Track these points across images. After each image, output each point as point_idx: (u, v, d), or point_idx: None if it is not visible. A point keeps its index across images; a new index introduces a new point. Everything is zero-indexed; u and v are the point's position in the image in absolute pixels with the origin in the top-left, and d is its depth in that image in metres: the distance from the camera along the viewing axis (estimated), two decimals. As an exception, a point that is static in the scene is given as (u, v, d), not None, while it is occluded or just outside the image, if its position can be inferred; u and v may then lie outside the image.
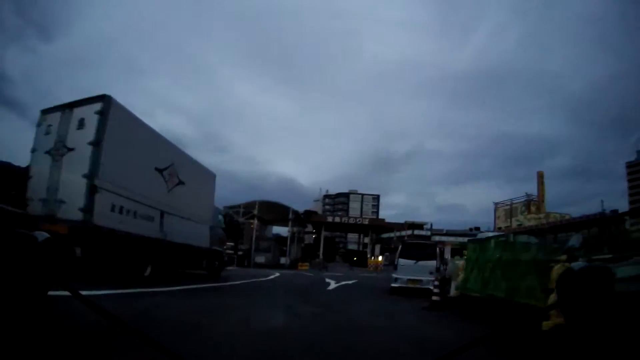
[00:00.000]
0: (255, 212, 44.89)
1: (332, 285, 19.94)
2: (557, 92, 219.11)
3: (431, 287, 13.85)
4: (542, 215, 74.82)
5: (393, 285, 16.24)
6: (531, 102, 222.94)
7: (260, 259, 44.04)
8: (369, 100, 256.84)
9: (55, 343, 3.77)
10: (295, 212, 47.17)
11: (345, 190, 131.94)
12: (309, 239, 76.05)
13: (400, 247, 17.78)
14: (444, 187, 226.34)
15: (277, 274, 29.09)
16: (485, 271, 10.33)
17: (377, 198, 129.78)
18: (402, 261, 16.61)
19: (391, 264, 59.72)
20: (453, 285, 13.05)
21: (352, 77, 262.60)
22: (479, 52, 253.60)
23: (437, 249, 17.47)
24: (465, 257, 13.09)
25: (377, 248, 50.66)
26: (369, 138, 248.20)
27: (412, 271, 16.09)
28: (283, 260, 45.16)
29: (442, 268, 17.26)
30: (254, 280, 21.18)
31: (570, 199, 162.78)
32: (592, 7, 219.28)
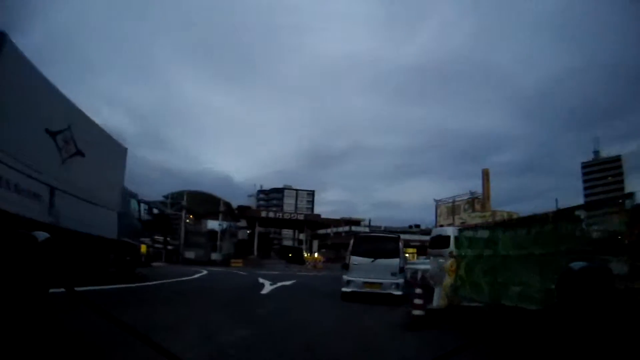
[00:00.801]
0: (184, 203, 40.35)
1: (268, 287, 16.53)
2: (506, 88, 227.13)
3: (394, 292, 12.41)
4: (488, 213, 75.47)
5: (345, 289, 12.92)
6: (478, 98, 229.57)
7: (190, 254, 40.01)
8: (309, 96, 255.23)
9: (55, 343, 3.51)
10: (227, 204, 42.83)
11: (280, 186, 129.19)
12: (244, 235, 72.75)
13: (352, 241, 14.02)
14: (383, 184, 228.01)
15: (205, 272, 25.64)
16: (495, 271, 7.70)
17: (311, 194, 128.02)
18: (355, 259, 13.20)
19: (330, 261, 58.31)
20: (437, 292, 10.32)
21: (294, 72, 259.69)
22: (426, 47, 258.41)
23: (400, 244, 13.90)
24: (454, 254, 10.32)
25: (315, 244, 47.71)
26: (308, 134, 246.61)
27: (368, 272, 12.82)
28: (215, 256, 41.18)
29: (405, 268, 14.53)
30: (174, 280, 17.68)
31: (518, 197, 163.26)
32: (547, 2, 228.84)
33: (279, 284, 18.46)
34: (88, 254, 12.78)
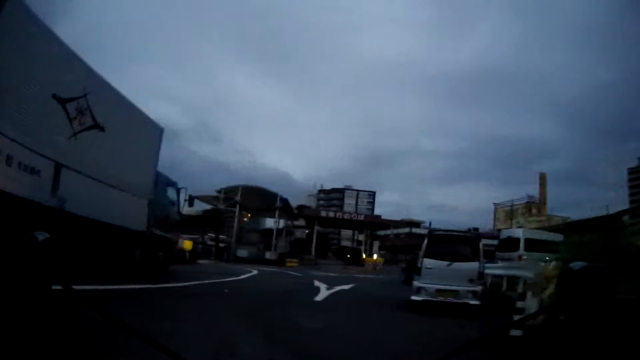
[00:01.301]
0: (238, 198, 38.61)
1: (323, 292, 14.05)
2: (555, 96, 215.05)
3: (471, 302, 10.20)
4: (543, 218, 69.73)
5: (415, 298, 10.51)
6: (529, 105, 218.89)
7: (242, 252, 38.14)
8: (365, 97, 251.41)
9: (56, 343, 3.97)
10: (284, 200, 40.29)
11: (340, 186, 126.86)
12: (302, 234, 71.08)
13: (425, 241, 11.60)
14: (437, 187, 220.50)
15: (255, 272, 23.23)
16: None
17: (372, 195, 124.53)
18: (428, 262, 10.74)
19: (389, 263, 55.16)
20: (533, 302, 7.38)
21: (350, 73, 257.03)
22: (477, 52, 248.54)
23: (480, 246, 11.34)
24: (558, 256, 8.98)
25: (376, 245, 44.49)
26: (364, 135, 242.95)
27: (443, 277, 10.51)
28: (269, 255, 39.15)
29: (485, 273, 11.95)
30: (216, 281, 15.39)
31: (567, 204, 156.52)
32: (594, 12, 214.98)
33: (337, 288, 15.89)
34: (103, 246, 10.64)
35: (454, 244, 11.29)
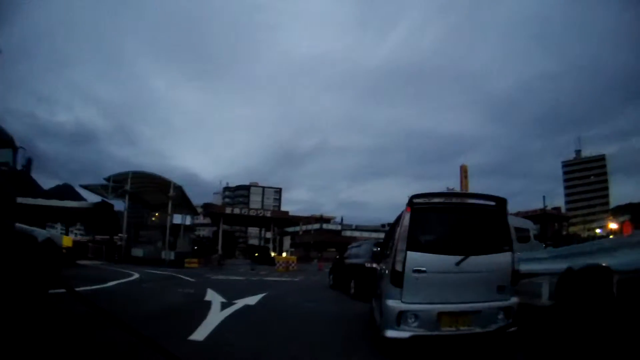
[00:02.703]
0: (127, 187, 31.94)
1: (214, 314, 8.27)
2: (477, 90, 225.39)
3: (501, 326, 5.12)
4: None
5: (393, 334, 5.01)
6: (448, 100, 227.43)
7: (137, 251, 31.71)
8: (277, 95, 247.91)
9: (55, 341, 3.83)
10: (178, 188, 33.51)
11: (247, 183, 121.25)
12: (209, 233, 65.28)
13: (405, 218, 5.47)
14: (349, 184, 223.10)
15: (136, 277, 17.88)
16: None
17: (279, 191, 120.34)
18: (416, 259, 5.18)
19: (306, 261, 51.02)
20: None
21: (262, 71, 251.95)
22: (397, 49, 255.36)
23: (509, 221, 5.90)
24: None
25: (287, 241, 39.82)
26: (275, 133, 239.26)
27: (449, 287, 5.20)
28: (166, 254, 32.91)
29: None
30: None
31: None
32: (520, 7, 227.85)
33: (239, 302, 10.25)
34: None
35: (462, 220, 5.72)
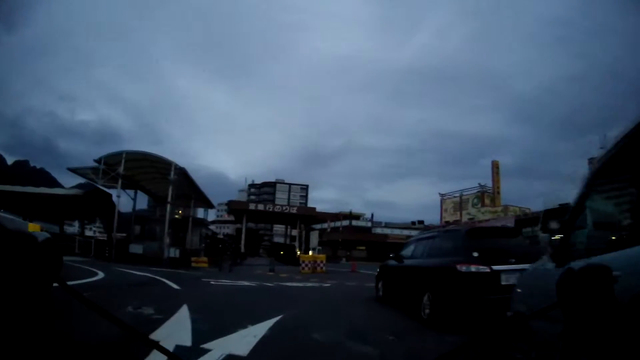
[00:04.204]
0: (121, 170, 25.30)
1: None
2: (503, 92, 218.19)
3: None
4: (499, 209, 62.38)
5: None
6: (474, 101, 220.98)
7: (136, 248, 25.85)
8: (304, 94, 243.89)
9: (56, 343, 3.73)
10: (180, 170, 26.67)
11: (273, 180, 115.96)
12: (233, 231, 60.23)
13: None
14: (376, 183, 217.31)
15: (81, 281, 11.82)
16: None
17: (305, 188, 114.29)
18: None
19: (333, 260, 44.74)
20: None
21: (289, 71, 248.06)
22: (423, 50, 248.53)
23: None
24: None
25: (315, 236, 33.40)
26: (302, 133, 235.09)
27: None
28: (174, 253, 26.85)
29: None
30: None
31: (514, 198, 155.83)
32: (548, 8, 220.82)
33: (215, 350, 4.32)
34: None
35: None
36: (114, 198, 26.34)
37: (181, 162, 26.60)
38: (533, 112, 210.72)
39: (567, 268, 1.38)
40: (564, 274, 1.47)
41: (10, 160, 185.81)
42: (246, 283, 15.29)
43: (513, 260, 6.54)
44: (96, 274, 14.64)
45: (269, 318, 6.72)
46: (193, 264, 26.03)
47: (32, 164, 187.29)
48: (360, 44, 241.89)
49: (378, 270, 11.63)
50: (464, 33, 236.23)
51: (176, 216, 31.25)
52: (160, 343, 3.52)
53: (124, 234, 30.16)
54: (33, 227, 17.30)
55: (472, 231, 8.21)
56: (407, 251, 9.91)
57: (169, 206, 26.31)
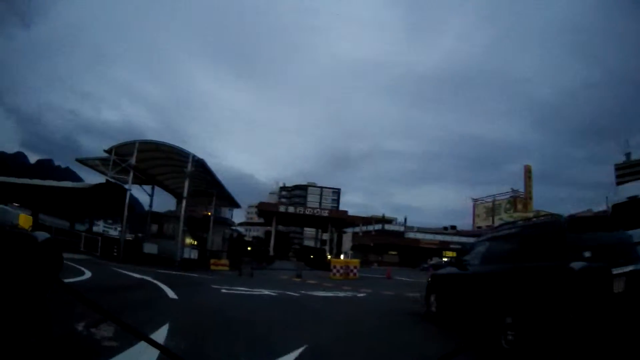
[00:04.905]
0: (133, 161, 22.33)
1: None
2: (526, 97, 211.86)
3: None
4: (531, 214, 58.25)
5: None
6: (501, 106, 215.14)
7: (150, 247, 23.21)
8: (332, 99, 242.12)
9: (55, 343, 3.43)
10: (198, 161, 23.50)
11: (304, 183, 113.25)
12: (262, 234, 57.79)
13: None
14: (404, 188, 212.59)
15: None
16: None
17: (337, 192, 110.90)
18: None
19: (365, 265, 41.22)
20: None
21: (316, 74, 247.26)
22: (447, 53, 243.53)
23: None
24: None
25: (347, 239, 29.76)
26: (330, 136, 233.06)
27: None
28: (190, 254, 24.00)
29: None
30: None
31: (541, 203, 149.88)
32: (567, 17, 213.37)
33: None
34: None
35: None
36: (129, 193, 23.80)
37: (208, 161, 23.49)
38: (555, 117, 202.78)
39: (567, 268, 1.38)
40: (564, 274, 1.46)
41: (32, 159, 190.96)
42: (265, 292, 12.07)
43: (622, 260, 4.75)
44: (83, 273, 12.46)
45: (281, 355, 4.33)
46: (212, 267, 23.12)
47: (56, 163, 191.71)
48: (386, 47, 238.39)
49: (429, 280, 9.43)
50: (486, 38, 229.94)
51: (194, 214, 28.46)
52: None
53: (141, 234, 27.75)
54: (24, 217, 14.96)
55: (576, 222, 5.72)
56: (475, 255, 7.48)
57: (184, 202, 23.37)
